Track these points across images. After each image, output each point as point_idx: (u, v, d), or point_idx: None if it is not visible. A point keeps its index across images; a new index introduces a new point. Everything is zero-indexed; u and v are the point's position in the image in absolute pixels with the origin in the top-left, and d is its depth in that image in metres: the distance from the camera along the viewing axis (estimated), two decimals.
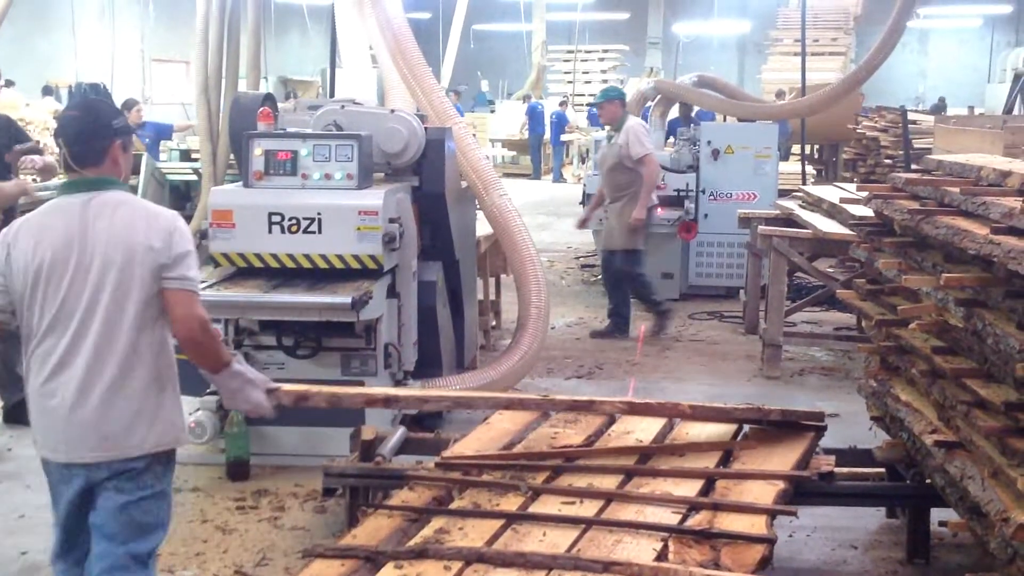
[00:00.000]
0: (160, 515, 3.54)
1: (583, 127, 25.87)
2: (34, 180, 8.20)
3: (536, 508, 4.09)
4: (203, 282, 5.81)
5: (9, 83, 20.78)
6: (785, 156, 16.61)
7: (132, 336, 3.38)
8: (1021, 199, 3.81)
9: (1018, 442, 3.51)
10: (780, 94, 18.93)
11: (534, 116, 26.55)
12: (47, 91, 21.12)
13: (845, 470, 4.99)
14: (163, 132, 13.52)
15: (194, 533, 5.15)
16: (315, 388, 4.37)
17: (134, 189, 10.90)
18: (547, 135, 26.64)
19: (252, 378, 3.64)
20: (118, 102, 20.38)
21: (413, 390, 5.70)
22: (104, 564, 3.42)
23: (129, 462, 3.41)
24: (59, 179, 11.45)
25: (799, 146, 15.86)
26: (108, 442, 3.38)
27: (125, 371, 3.38)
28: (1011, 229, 3.66)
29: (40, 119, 17.23)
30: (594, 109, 26.23)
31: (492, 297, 9.26)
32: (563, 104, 27.23)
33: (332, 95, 10.36)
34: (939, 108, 22.72)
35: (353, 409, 5.85)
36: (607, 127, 9.59)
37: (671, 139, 13.48)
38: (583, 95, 29.53)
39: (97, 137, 3.47)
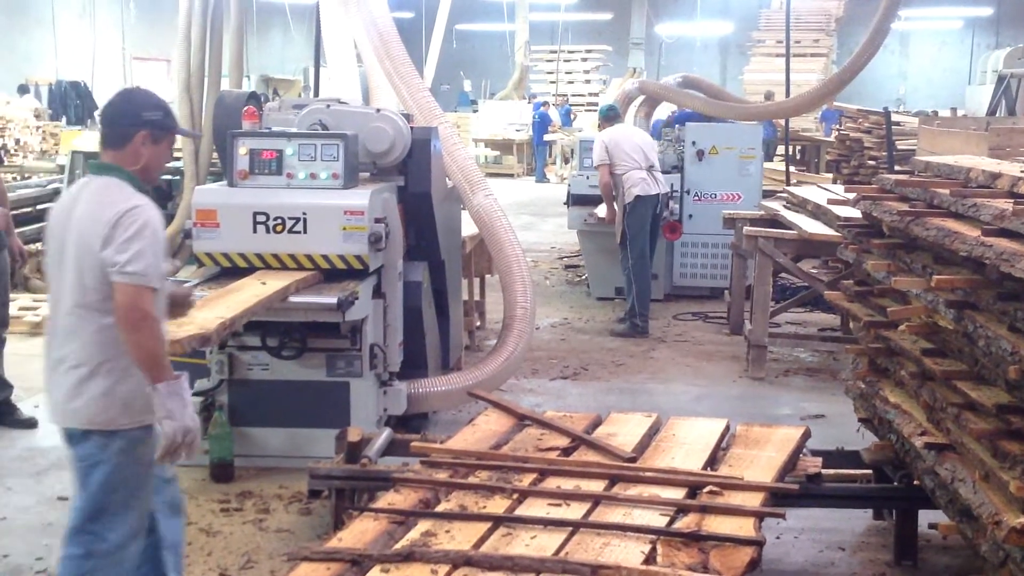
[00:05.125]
0: (98, 489, 3.59)
1: (567, 127, 25.88)
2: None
3: (523, 511, 4.05)
4: (186, 282, 5.79)
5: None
6: (770, 157, 16.66)
7: (74, 318, 3.54)
8: (1012, 201, 3.80)
9: (1010, 445, 3.49)
10: (769, 96, 18.97)
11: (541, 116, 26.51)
12: (23, 89, 21.00)
13: (832, 472, 4.98)
14: None
15: None
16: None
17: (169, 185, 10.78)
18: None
19: (190, 412, 3.53)
20: (100, 101, 20.25)
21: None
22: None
23: (68, 431, 3.64)
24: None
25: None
26: (55, 409, 3.65)
27: (66, 348, 3.58)
28: (1003, 231, 3.64)
29: (20, 117, 17.14)
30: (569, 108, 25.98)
31: (477, 297, 9.23)
32: (546, 104, 27.22)
33: (316, 94, 10.31)
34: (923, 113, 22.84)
35: (338, 410, 5.86)
36: None
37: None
38: (565, 95, 29.57)
39: (122, 123, 3.63)
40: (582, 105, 29.29)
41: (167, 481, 3.90)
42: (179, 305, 4.08)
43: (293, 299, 5.41)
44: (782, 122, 14.70)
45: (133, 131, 3.60)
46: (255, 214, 5.73)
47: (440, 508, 4.09)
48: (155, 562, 3.85)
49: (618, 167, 9.49)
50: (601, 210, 9.93)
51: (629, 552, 3.65)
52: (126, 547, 3.66)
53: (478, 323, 9.24)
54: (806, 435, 4.97)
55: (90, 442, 3.59)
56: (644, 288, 9.52)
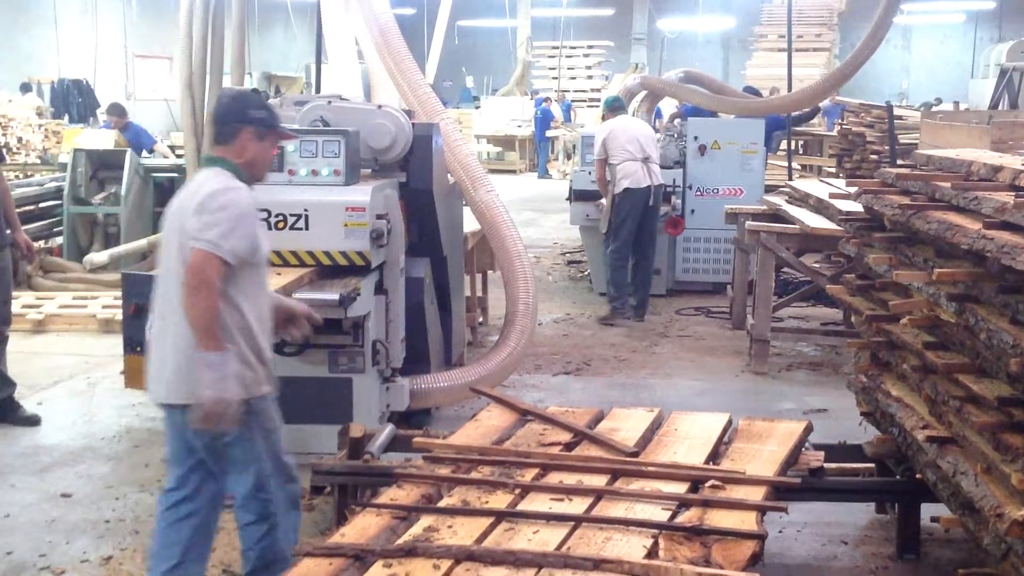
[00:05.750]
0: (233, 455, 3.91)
1: (569, 123, 25.88)
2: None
3: (525, 505, 4.05)
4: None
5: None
6: (774, 150, 16.60)
7: (174, 299, 3.75)
8: (1013, 194, 3.80)
9: (1012, 437, 3.50)
10: (773, 92, 18.90)
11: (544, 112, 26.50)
12: (26, 88, 21.00)
13: (835, 465, 4.99)
14: (143, 142, 13.25)
15: None
16: None
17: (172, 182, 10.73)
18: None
19: (232, 382, 3.69)
20: (102, 99, 20.22)
21: None
22: None
23: (163, 407, 3.89)
24: None
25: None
26: (152, 385, 3.91)
27: (167, 326, 3.81)
28: (1004, 224, 3.64)
29: (23, 115, 17.15)
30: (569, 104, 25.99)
31: (479, 293, 9.23)
32: (548, 100, 27.19)
33: (318, 91, 10.31)
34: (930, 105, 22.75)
35: (341, 407, 5.86)
36: None
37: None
38: (566, 91, 29.55)
39: (229, 120, 3.91)
40: (584, 101, 29.28)
41: (292, 479, 4.13)
42: (290, 321, 4.27)
43: (296, 295, 5.41)
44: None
45: (240, 128, 3.87)
46: (256, 211, 5.72)
47: (442, 503, 4.10)
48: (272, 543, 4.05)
49: (613, 158, 9.60)
50: (604, 202, 10.01)
51: (631, 546, 3.66)
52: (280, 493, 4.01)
53: (480, 319, 9.24)
54: (808, 429, 4.97)
55: (173, 420, 3.78)
56: (618, 273, 9.77)
